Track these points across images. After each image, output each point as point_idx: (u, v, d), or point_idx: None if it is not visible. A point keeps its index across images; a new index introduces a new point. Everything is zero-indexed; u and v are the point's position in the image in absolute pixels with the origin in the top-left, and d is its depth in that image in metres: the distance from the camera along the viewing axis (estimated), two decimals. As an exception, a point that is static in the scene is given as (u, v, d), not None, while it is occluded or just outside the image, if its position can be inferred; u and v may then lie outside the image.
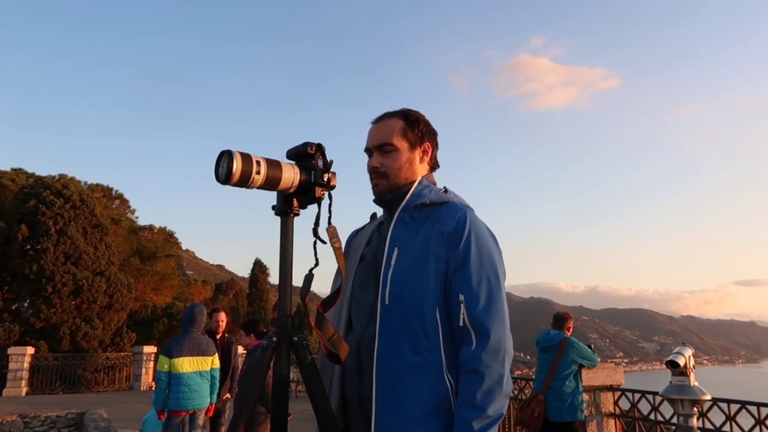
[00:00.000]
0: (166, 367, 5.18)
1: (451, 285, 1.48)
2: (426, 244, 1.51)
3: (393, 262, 1.51)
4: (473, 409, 1.37)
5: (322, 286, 1.73)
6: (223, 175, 1.39)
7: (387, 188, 1.61)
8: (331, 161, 1.56)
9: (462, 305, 1.45)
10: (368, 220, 1.78)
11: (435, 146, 1.70)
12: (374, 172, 1.62)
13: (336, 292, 1.58)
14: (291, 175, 1.49)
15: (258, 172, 1.42)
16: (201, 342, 5.38)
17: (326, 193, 1.55)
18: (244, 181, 1.42)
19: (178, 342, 5.31)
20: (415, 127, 1.65)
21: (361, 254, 1.64)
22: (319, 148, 1.55)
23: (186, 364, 5.18)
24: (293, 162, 1.55)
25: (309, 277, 1.53)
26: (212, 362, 5.40)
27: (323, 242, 1.54)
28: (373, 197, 1.66)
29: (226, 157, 1.39)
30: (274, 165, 1.47)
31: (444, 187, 1.66)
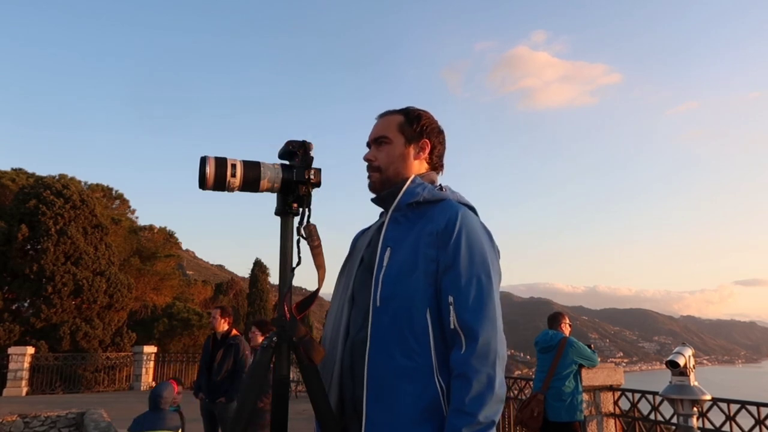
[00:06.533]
0: None
1: (441, 286, 1.44)
2: (416, 244, 1.48)
3: (385, 263, 1.48)
4: (463, 415, 1.32)
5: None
6: (199, 181, 1.42)
7: (379, 181, 1.61)
8: (312, 158, 1.54)
9: (451, 307, 1.41)
10: (378, 218, 1.74)
11: (437, 144, 1.67)
12: (368, 165, 1.63)
13: (312, 295, 1.57)
14: (272, 174, 1.49)
15: (234, 175, 1.43)
16: (156, 418, 5.38)
17: (308, 191, 1.53)
18: (221, 185, 1.43)
19: (138, 421, 5.33)
20: (414, 123, 1.63)
21: (362, 256, 1.62)
22: (302, 145, 1.54)
23: None
24: (279, 162, 1.55)
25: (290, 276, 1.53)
26: None
27: (306, 240, 1.54)
28: (371, 197, 1.64)
29: (200, 163, 1.42)
30: (251, 166, 1.47)
31: (440, 185, 1.63)
